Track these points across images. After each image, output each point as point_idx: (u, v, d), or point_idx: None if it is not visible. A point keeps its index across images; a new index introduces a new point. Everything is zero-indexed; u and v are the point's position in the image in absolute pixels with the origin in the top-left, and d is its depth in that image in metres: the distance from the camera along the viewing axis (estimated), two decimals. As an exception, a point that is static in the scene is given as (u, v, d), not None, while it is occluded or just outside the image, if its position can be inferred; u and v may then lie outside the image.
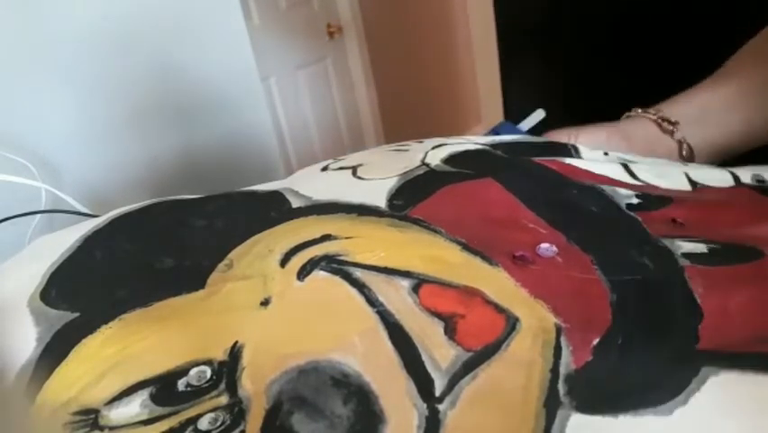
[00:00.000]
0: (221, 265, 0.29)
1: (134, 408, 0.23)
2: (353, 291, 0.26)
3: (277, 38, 1.83)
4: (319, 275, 0.27)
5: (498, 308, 0.26)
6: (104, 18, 0.70)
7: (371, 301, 0.26)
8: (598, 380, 0.23)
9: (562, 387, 0.23)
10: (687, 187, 0.37)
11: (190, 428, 0.22)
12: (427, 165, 0.36)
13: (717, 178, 0.37)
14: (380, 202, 0.33)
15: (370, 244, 0.29)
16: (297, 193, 0.35)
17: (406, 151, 0.40)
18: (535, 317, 0.25)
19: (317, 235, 0.29)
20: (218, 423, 0.22)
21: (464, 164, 0.37)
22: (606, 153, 0.42)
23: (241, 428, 0.22)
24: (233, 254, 0.29)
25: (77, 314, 0.26)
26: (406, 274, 0.27)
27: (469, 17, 2.08)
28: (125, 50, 0.73)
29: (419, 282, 0.27)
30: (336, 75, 2.11)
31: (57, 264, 0.29)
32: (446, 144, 0.39)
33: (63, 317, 0.26)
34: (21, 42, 0.64)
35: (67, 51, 0.68)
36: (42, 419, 0.23)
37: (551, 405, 0.22)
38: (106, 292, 0.28)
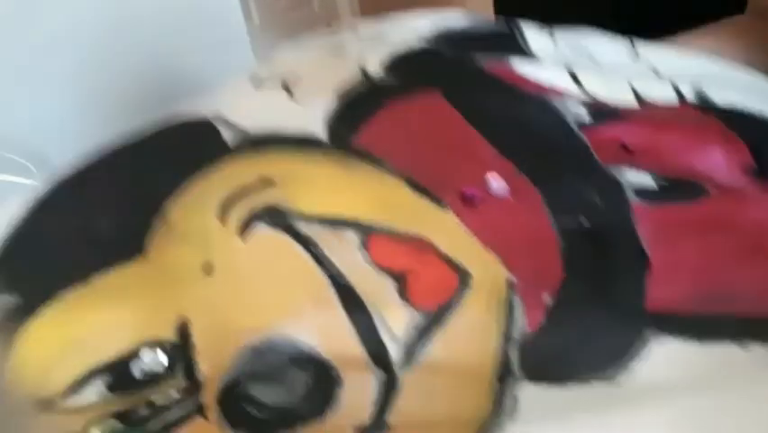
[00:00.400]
0: (158, 222, 0.27)
1: (90, 396, 0.23)
2: (300, 250, 0.25)
3: (277, 38, 1.83)
4: (262, 231, 0.25)
5: (451, 263, 0.25)
6: (104, 18, 0.70)
7: (321, 261, 0.25)
8: (549, 345, 0.23)
9: (514, 355, 0.23)
10: (633, 103, 0.35)
11: (146, 403, 0.23)
12: (367, 76, 0.33)
13: (662, 94, 0.35)
14: (320, 130, 0.30)
15: (313, 189, 0.27)
16: (228, 123, 0.31)
17: (341, 54, 0.36)
18: (488, 272, 0.25)
19: (255, 180, 0.27)
20: (172, 397, 0.23)
21: (408, 72, 0.33)
22: (551, 35, 0.39)
23: (195, 397, 0.22)
24: (168, 207, 0.27)
25: (15, 296, 0.26)
26: (353, 224, 0.26)
27: (469, 17, 2.08)
28: (125, 51, 0.73)
29: (368, 233, 0.25)
30: (336, 75, 2.11)
31: (1, 242, 0.28)
32: (384, 41, 0.36)
33: (5, 301, 0.25)
34: (21, 42, 0.64)
35: (67, 52, 0.68)
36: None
37: (503, 375, 0.23)
38: (46, 267, 0.27)
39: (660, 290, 0.24)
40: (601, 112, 0.32)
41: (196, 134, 0.32)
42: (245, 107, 0.33)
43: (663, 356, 0.22)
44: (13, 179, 0.59)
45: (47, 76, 0.66)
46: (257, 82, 0.36)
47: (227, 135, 0.31)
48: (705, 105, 0.34)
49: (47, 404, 0.23)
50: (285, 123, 0.31)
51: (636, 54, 0.39)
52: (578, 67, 0.36)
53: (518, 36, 0.38)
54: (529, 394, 0.22)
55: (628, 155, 0.30)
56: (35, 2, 0.64)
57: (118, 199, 0.29)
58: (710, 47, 0.46)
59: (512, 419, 0.22)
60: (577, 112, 0.31)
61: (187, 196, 0.28)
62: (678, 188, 0.29)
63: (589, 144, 0.30)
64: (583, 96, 0.34)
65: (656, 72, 0.37)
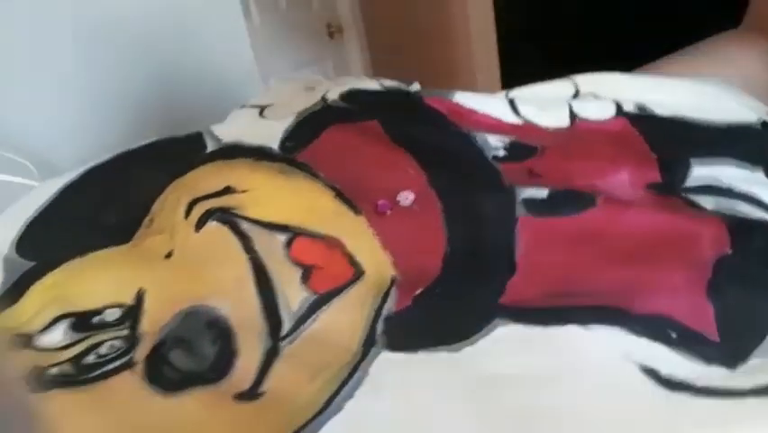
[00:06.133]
0: (146, 220, 0.34)
1: (58, 335, 0.29)
2: (236, 241, 0.31)
3: (277, 38, 1.83)
4: (212, 225, 0.31)
5: (351, 261, 0.30)
6: (104, 19, 0.70)
7: (248, 249, 0.30)
8: (409, 322, 0.28)
9: (379, 326, 0.28)
10: (565, 122, 0.37)
11: (93, 352, 0.28)
12: (325, 100, 0.39)
13: (599, 109, 0.38)
14: (275, 143, 0.36)
15: (261, 198, 0.33)
16: (212, 135, 0.39)
17: (313, 89, 0.42)
18: (379, 271, 0.30)
19: (220, 187, 0.33)
20: (114, 349, 0.28)
21: (358, 102, 0.39)
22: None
23: (131, 355, 0.28)
24: (154, 206, 0.34)
25: (34, 263, 0.32)
26: (284, 228, 0.31)
27: (469, 17, 2.08)
28: (125, 51, 0.73)
29: (294, 235, 0.31)
30: (336, 75, 2.12)
31: (34, 215, 0.35)
32: (355, 84, 0.41)
33: (25, 265, 0.32)
34: (21, 42, 0.64)
35: (67, 52, 0.68)
36: None
37: (367, 343, 0.27)
38: (61, 244, 0.33)
39: (517, 291, 0.29)
40: (520, 149, 0.36)
41: (186, 144, 0.39)
42: (227, 123, 0.41)
43: (505, 335, 0.26)
44: (13, 180, 0.59)
45: (47, 76, 0.66)
46: (243, 105, 0.43)
47: (209, 146, 0.38)
48: (643, 114, 0.37)
49: (26, 339, 0.29)
50: (249, 136, 0.37)
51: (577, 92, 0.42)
52: (520, 98, 0.39)
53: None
54: (383, 360, 0.26)
55: (534, 178, 0.34)
56: (36, 2, 0.64)
57: (121, 198, 0.36)
58: (706, 64, 0.46)
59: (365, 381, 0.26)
60: (496, 149, 0.36)
61: (167, 196, 0.35)
62: (567, 198, 0.32)
63: (499, 170, 0.34)
64: (515, 122, 0.37)
65: (596, 96, 0.40)
